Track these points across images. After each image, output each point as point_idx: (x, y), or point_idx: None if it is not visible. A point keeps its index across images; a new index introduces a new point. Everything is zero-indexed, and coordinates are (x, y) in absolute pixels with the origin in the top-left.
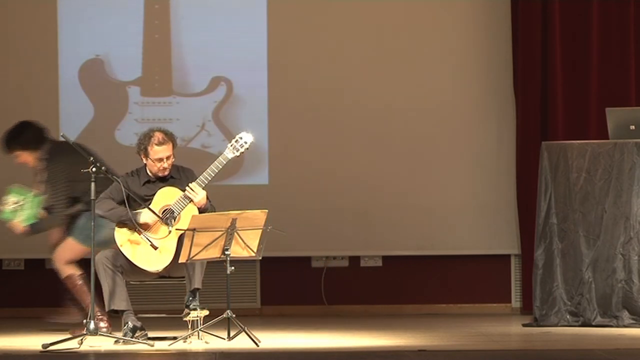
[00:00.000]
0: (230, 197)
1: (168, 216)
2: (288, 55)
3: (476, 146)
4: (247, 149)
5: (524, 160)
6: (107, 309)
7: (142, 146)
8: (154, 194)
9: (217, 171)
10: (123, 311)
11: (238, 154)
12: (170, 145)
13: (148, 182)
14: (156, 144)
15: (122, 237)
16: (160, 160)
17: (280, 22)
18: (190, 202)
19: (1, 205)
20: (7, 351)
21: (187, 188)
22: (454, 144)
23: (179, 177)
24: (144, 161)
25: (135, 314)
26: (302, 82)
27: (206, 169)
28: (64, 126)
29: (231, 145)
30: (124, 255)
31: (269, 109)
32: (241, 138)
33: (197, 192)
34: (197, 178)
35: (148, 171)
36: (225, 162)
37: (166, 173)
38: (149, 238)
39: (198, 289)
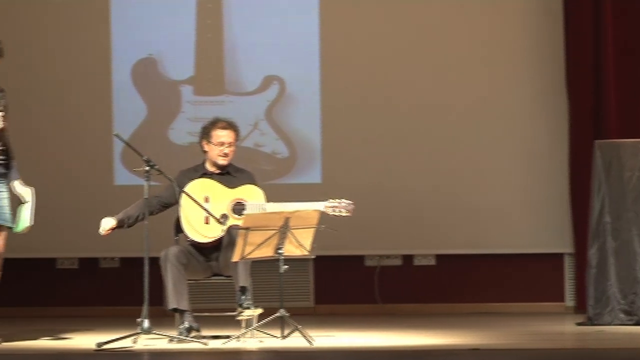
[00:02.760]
0: (284, 195)
1: (238, 209)
2: (340, 54)
3: (529, 145)
4: (342, 215)
5: (576, 159)
6: (169, 307)
7: (206, 131)
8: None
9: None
10: (183, 311)
11: (330, 212)
12: (233, 134)
13: (205, 174)
14: (220, 128)
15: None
16: (222, 144)
17: (332, 20)
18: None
19: None
20: (62, 350)
21: (272, 204)
22: (506, 142)
23: (237, 176)
24: (206, 148)
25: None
26: (354, 80)
27: (295, 202)
28: (117, 125)
29: (332, 202)
30: (187, 253)
31: (322, 108)
32: (348, 204)
33: None
34: (254, 180)
35: (207, 165)
36: (310, 207)
37: (226, 162)
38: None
39: (244, 287)
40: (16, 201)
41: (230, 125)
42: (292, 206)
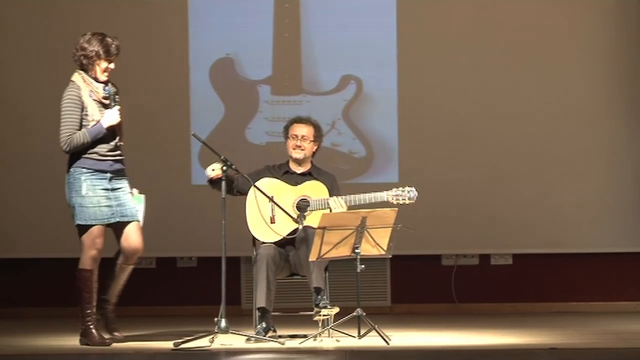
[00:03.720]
0: None
1: (302, 205)
2: (417, 53)
3: (607, 143)
4: (405, 203)
5: None
6: (256, 306)
7: (285, 127)
8: (291, 184)
9: (365, 202)
10: (267, 311)
11: (394, 200)
12: (311, 128)
13: (287, 172)
14: (297, 121)
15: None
16: (296, 137)
17: (410, 19)
18: (327, 208)
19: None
20: (139, 349)
21: (335, 198)
22: (584, 141)
23: (317, 177)
24: (286, 146)
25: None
26: (431, 80)
27: (358, 194)
28: (194, 125)
29: (396, 191)
30: (280, 254)
31: (399, 107)
32: (409, 192)
33: (339, 207)
34: (335, 183)
35: (290, 163)
36: (376, 200)
37: (300, 155)
38: (277, 207)
39: (319, 287)
40: None
41: (307, 121)
42: (355, 198)
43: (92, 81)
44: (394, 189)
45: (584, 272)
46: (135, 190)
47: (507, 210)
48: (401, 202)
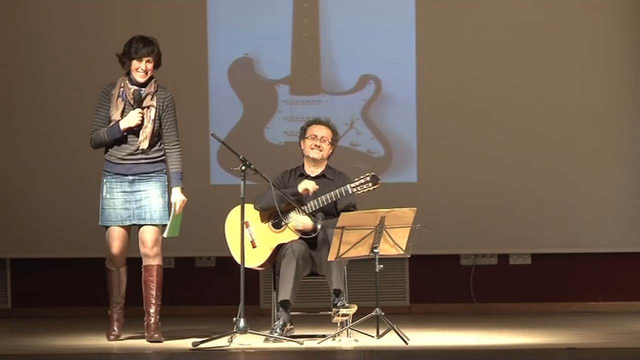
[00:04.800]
0: (379, 195)
1: (277, 222)
2: (436, 53)
3: (625, 143)
4: (370, 190)
5: None
6: (279, 300)
7: (302, 129)
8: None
9: (332, 199)
10: (289, 306)
11: (359, 191)
12: (329, 131)
13: (302, 175)
14: (316, 123)
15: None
16: (315, 137)
17: (428, 19)
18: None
19: None
20: (158, 349)
21: (294, 213)
22: (602, 141)
23: (332, 179)
24: (302, 147)
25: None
26: (450, 79)
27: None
28: (213, 125)
29: (358, 181)
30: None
31: (418, 107)
32: (369, 177)
33: (299, 219)
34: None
35: (305, 165)
36: (342, 195)
37: (318, 155)
38: (251, 234)
39: (338, 289)
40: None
41: (326, 123)
42: (323, 198)
43: (127, 81)
44: (355, 181)
45: (603, 272)
46: (175, 190)
47: (526, 210)
48: (365, 190)
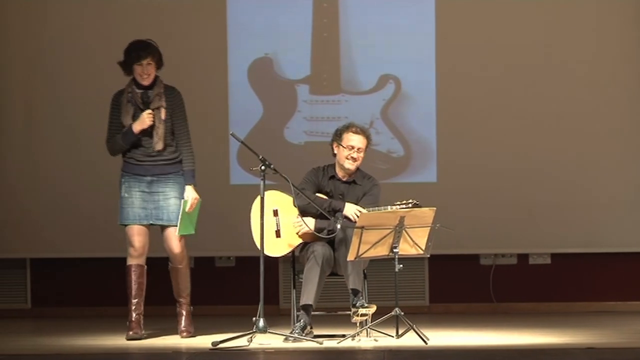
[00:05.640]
0: (399, 195)
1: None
2: (456, 52)
3: None
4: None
5: None
6: (301, 303)
7: (338, 133)
8: (335, 191)
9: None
10: (311, 310)
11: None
12: (365, 141)
13: (333, 177)
14: (353, 132)
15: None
16: (352, 148)
17: (448, 18)
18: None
19: None
20: (178, 348)
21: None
22: (620, 140)
23: (361, 184)
24: (335, 151)
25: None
26: (470, 80)
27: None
28: (233, 125)
29: (398, 205)
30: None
31: (437, 107)
32: (412, 205)
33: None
34: (373, 187)
35: (337, 168)
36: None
37: (353, 167)
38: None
39: (356, 289)
40: None
41: (363, 131)
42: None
43: (134, 86)
44: (398, 203)
45: (623, 272)
46: (188, 188)
47: (546, 209)
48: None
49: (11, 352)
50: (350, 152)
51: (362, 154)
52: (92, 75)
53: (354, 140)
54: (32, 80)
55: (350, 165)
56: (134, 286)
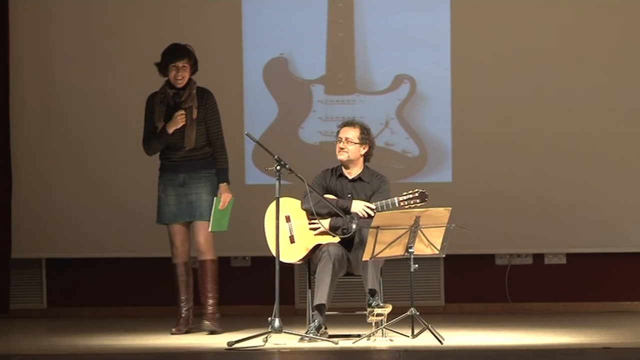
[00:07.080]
0: None
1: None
2: (471, 52)
3: None
4: (413, 206)
5: None
6: (314, 303)
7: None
8: (343, 190)
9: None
10: (324, 309)
11: (405, 205)
12: (357, 130)
13: (341, 176)
14: (344, 124)
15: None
16: (340, 140)
17: (463, 18)
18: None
19: None
20: (193, 349)
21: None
22: (637, 140)
23: (369, 181)
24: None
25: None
26: (485, 80)
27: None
28: (248, 125)
29: (405, 197)
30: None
31: (452, 107)
32: (419, 194)
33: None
34: (381, 186)
35: (343, 166)
36: (387, 207)
37: (343, 157)
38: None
39: (373, 289)
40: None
41: (352, 123)
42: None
43: (167, 87)
44: (405, 194)
45: (638, 272)
46: (221, 185)
47: (561, 209)
48: (412, 205)
49: (26, 352)
50: (339, 144)
51: (351, 146)
52: (108, 77)
53: (341, 131)
54: (47, 82)
55: (341, 156)
56: (180, 284)
